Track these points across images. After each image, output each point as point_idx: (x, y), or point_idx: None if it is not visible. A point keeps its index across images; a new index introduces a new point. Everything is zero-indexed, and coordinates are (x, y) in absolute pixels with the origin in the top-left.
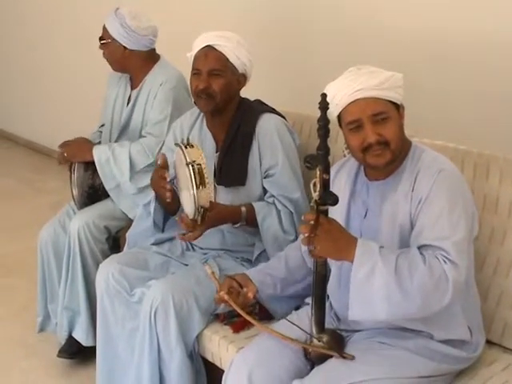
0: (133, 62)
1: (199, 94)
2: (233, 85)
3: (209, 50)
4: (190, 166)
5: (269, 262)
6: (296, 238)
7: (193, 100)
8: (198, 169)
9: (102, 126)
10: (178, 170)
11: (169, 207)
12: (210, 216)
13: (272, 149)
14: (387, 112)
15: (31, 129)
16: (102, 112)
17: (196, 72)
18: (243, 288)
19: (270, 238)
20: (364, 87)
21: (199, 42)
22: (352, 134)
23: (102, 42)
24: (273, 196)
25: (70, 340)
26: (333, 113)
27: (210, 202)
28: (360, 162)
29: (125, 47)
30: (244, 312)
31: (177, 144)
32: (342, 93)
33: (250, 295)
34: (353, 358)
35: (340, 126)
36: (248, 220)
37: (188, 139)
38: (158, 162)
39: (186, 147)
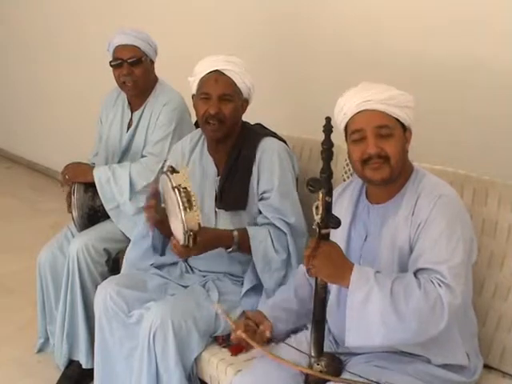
0: (153, 78)
1: (208, 120)
2: (239, 110)
3: (218, 74)
4: (175, 189)
5: (277, 295)
6: (287, 257)
7: (194, 121)
8: (185, 192)
9: (96, 155)
10: (166, 197)
11: (164, 232)
12: (200, 241)
13: (270, 172)
14: (391, 128)
15: (32, 149)
16: (96, 140)
17: (205, 97)
18: (259, 326)
19: (261, 256)
20: (372, 99)
21: (205, 66)
22: (354, 145)
23: (134, 60)
24: (267, 218)
25: (68, 371)
26: (340, 124)
27: (199, 225)
28: (359, 175)
29: (151, 61)
30: (261, 348)
31: (163, 171)
32: (350, 102)
33: (268, 333)
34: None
35: (346, 139)
36: (240, 244)
37: (172, 166)
38: (149, 193)
39: (171, 173)
